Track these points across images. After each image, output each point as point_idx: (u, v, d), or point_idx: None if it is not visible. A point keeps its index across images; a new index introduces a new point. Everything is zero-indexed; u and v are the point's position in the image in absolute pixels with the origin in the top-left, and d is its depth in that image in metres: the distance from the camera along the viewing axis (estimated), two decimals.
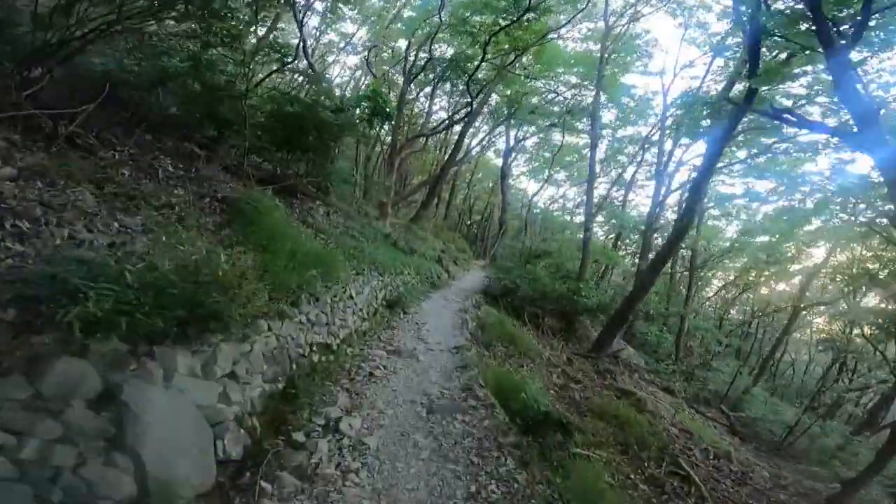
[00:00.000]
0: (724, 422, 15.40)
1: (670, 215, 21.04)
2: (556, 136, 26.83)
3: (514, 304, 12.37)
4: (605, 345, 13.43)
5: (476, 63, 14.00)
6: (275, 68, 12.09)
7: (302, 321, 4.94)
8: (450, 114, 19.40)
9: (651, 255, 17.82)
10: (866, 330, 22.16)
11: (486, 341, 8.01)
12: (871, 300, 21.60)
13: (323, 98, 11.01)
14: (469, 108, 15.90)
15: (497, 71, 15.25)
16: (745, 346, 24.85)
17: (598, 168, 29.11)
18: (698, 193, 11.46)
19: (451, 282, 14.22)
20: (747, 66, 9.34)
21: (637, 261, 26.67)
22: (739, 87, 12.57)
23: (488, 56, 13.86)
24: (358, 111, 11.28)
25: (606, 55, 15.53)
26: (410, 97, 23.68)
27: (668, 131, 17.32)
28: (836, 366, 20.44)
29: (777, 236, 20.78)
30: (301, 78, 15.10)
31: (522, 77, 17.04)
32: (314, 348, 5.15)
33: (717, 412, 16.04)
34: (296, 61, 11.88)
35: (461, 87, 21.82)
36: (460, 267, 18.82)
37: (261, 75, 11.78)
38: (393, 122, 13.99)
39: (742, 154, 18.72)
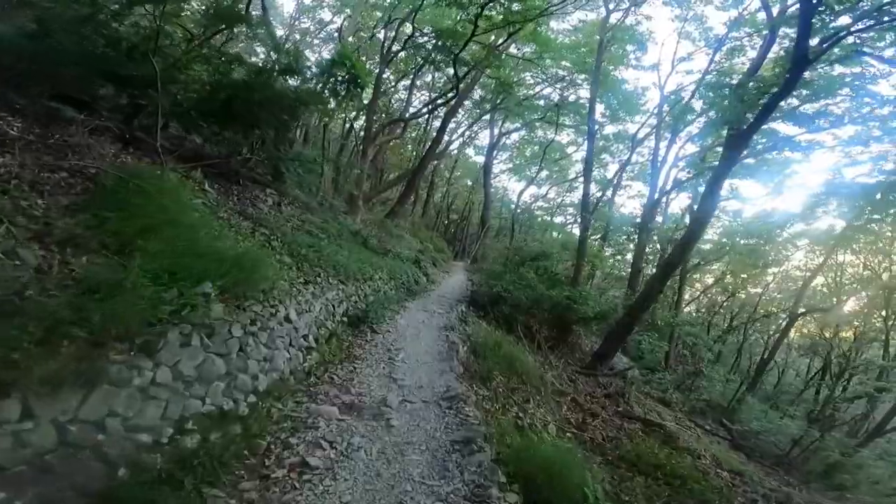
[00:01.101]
0: (724, 435, 13.69)
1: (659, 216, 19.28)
2: (539, 133, 24.91)
3: (506, 314, 10.14)
4: (606, 359, 11.38)
5: (465, 39, 11.66)
6: (223, 28, 9.50)
7: (158, 381, 2.51)
8: (432, 98, 16.89)
9: (647, 258, 16.01)
10: (848, 335, 21.25)
11: (484, 373, 5.72)
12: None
13: (281, 60, 8.46)
14: (454, 92, 13.55)
15: (487, 50, 12.97)
16: (725, 350, 23.49)
17: (582, 168, 27.55)
18: (716, 190, 9.54)
19: (430, 287, 11.87)
20: (796, 41, 7.45)
21: (620, 262, 25.15)
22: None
23: (479, 31, 11.55)
24: (322, 79, 8.81)
25: (606, 41, 13.53)
26: (389, 87, 21.18)
27: (664, 124, 15.52)
28: (822, 370, 19.33)
29: (755, 240, 19.46)
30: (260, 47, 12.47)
31: (511, 65, 14.83)
32: (191, 424, 2.73)
33: (717, 425, 14.39)
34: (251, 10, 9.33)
35: (444, 77, 19.56)
36: (439, 269, 16.47)
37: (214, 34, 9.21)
38: (367, 93, 11.50)
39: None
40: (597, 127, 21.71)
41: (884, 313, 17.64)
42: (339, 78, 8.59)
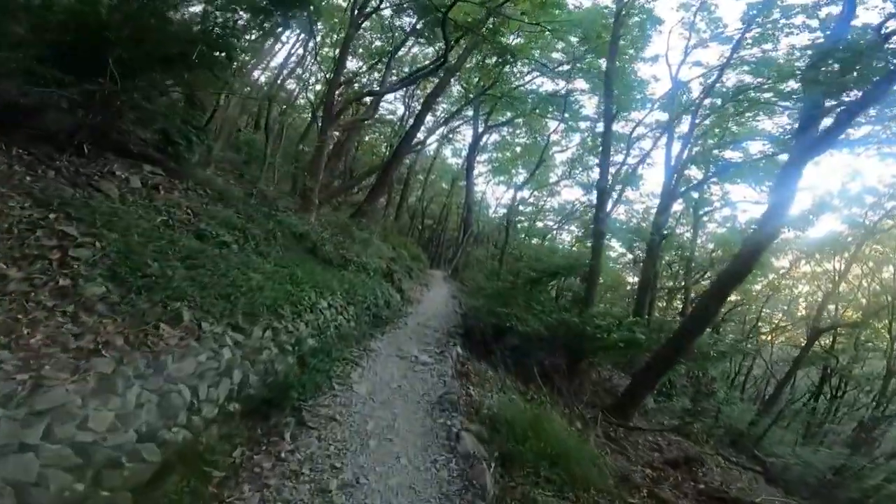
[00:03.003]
0: (752, 466, 10.84)
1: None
2: (522, 131, 22.05)
3: (514, 349, 6.89)
4: (637, 401, 8.33)
5: None
6: None
7: None
8: (414, 70, 13.37)
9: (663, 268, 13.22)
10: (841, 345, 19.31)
11: None
12: None
13: None
14: (442, 62, 10.22)
15: (485, 11, 9.75)
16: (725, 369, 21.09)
17: (565, 170, 24.85)
18: (795, 178, 6.75)
19: (406, 309, 8.45)
20: None
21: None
22: None
23: None
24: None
25: (623, 11, 10.64)
26: (359, 79, 17.66)
27: (675, 121, 12.83)
28: (820, 383, 17.26)
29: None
30: None
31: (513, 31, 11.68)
32: None
33: (744, 456, 11.70)
34: None
35: (426, 62, 16.24)
36: (416, 281, 13.02)
37: None
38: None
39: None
40: (589, 123, 19.19)
41: (886, 322, 15.71)
42: None
